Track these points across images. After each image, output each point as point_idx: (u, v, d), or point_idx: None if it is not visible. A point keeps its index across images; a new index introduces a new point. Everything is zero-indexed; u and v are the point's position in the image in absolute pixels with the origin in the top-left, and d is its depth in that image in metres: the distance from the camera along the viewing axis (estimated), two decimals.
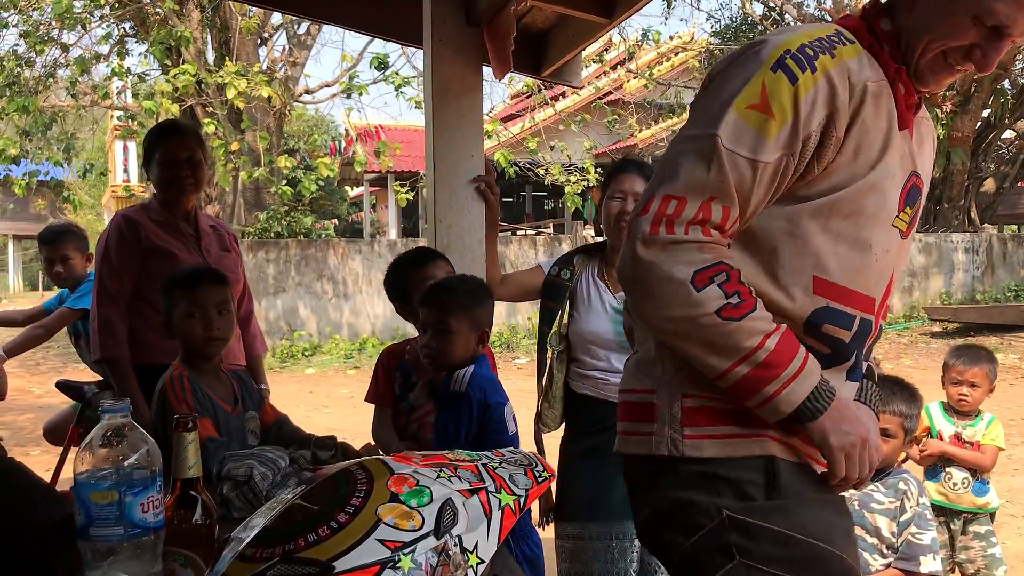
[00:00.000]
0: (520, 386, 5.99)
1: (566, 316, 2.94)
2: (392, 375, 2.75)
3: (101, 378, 4.29)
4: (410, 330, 2.59)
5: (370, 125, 14.91)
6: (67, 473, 4.34)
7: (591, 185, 12.97)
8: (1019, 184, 20.71)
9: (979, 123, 17.17)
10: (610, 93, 18.09)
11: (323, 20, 6.99)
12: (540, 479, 1.13)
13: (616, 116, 13.34)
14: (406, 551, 0.97)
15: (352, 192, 31.24)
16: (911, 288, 15.89)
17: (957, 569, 3.66)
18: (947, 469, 3.64)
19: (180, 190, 3.30)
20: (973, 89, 16.47)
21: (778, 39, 1.43)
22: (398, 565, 0.96)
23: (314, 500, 1.02)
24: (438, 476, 1.06)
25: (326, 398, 9.94)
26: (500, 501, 1.08)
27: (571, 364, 2.95)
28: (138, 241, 3.21)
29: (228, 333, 2.39)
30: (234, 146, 10.93)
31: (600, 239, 3.00)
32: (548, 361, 2.96)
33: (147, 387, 3.15)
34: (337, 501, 1.01)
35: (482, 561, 1.03)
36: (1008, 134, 18.92)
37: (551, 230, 20.50)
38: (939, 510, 3.69)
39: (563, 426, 3.03)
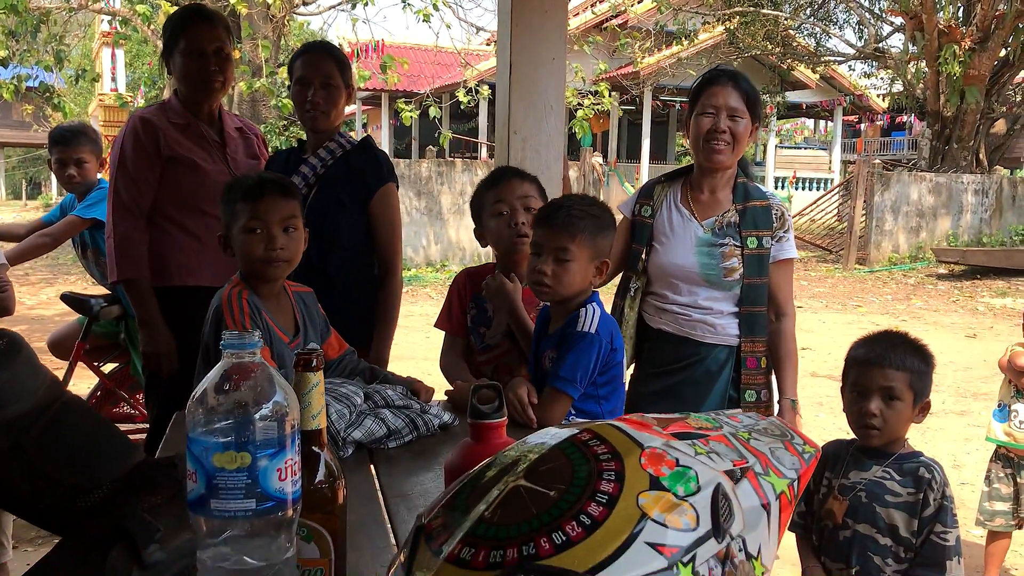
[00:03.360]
0: None
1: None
2: (466, 303, 2.47)
3: (108, 292, 4.04)
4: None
5: (372, 40, 14.32)
6: (72, 389, 4.09)
7: (603, 110, 12.54)
8: None
9: (996, 62, 16.76)
10: (620, 14, 17.52)
11: None
12: (806, 455, 0.87)
13: (627, 40, 12.82)
14: (685, 559, 0.69)
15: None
16: (918, 228, 15.69)
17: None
18: (1015, 407, 3.47)
19: (206, 87, 2.96)
20: (993, 26, 16.02)
21: None
22: None
23: (545, 481, 0.74)
24: (696, 452, 0.79)
25: None
26: (774, 487, 0.81)
27: (647, 297, 2.69)
28: (157, 148, 2.88)
29: (293, 254, 2.07)
30: (235, 54, 10.41)
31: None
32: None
33: (167, 312, 2.88)
34: (581, 485, 0.73)
35: (766, 571, 0.76)
36: (1022, 75, 18.54)
37: None
38: (1007, 460, 3.53)
39: (632, 366, 2.80)
